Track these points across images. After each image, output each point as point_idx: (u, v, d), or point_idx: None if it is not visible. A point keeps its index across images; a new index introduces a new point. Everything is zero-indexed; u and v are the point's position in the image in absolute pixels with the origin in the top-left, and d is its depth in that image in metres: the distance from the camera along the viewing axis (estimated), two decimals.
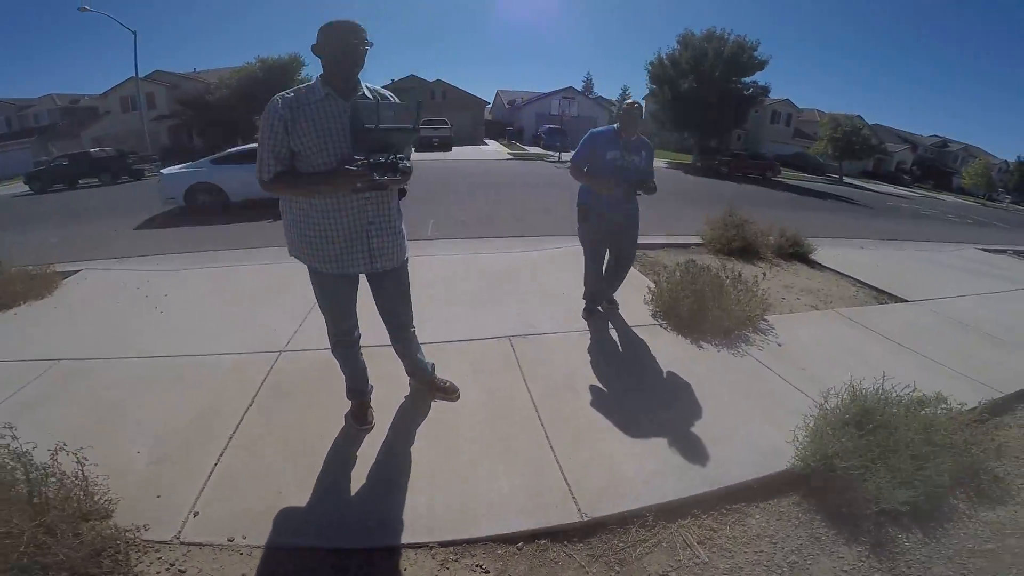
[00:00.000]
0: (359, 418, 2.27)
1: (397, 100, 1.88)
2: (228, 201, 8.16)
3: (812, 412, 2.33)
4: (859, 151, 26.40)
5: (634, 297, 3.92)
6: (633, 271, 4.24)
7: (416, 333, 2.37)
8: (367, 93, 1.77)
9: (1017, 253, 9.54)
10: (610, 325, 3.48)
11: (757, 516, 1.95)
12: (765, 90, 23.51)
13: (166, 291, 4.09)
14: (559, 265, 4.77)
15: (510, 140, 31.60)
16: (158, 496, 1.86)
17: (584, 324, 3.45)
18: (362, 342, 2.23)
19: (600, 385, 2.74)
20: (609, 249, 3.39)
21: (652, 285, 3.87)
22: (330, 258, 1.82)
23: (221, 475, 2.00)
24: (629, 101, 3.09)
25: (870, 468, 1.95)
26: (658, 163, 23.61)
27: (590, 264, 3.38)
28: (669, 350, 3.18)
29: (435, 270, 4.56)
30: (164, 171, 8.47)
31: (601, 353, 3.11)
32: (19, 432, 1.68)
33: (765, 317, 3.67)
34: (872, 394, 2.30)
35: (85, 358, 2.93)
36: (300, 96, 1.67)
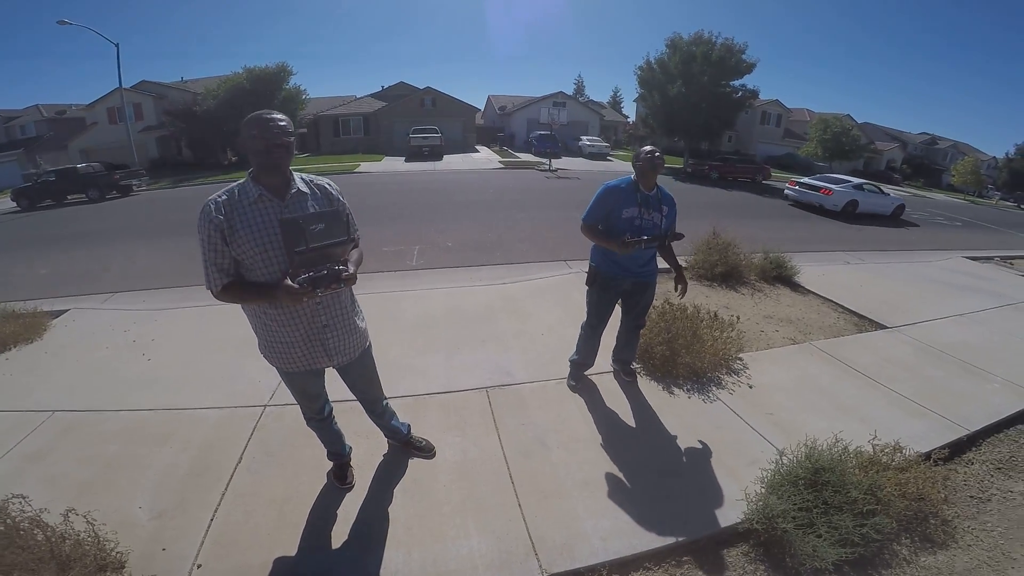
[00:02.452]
0: (340, 478, 2.36)
1: (333, 189, 1.82)
2: (857, 210, 12.76)
3: (772, 463, 2.41)
4: (848, 152, 26.56)
5: (610, 335, 3.91)
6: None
7: (388, 404, 2.44)
8: (301, 186, 1.69)
9: (1004, 259, 9.60)
10: (585, 371, 3.46)
11: (706, 567, 2.08)
12: (754, 93, 23.52)
13: (153, 335, 4.12)
14: (542, 298, 4.78)
15: (501, 146, 31.54)
16: (163, 549, 2.03)
17: (561, 370, 3.44)
18: (342, 397, 2.33)
19: (570, 439, 2.79)
20: (623, 312, 3.15)
21: None
22: (293, 360, 1.84)
23: (218, 530, 2.15)
24: (649, 149, 2.67)
25: (814, 524, 2.05)
26: None
27: (589, 331, 3.09)
28: (641, 398, 3.23)
29: (417, 308, 4.59)
30: (837, 188, 12.77)
31: (574, 403, 3.15)
32: (25, 486, 2.01)
33: (740, 356, 3.70)
34: (827, 450, 2.37)
35: (80, 410, 3.03)
36: (233, 199, 1.59)
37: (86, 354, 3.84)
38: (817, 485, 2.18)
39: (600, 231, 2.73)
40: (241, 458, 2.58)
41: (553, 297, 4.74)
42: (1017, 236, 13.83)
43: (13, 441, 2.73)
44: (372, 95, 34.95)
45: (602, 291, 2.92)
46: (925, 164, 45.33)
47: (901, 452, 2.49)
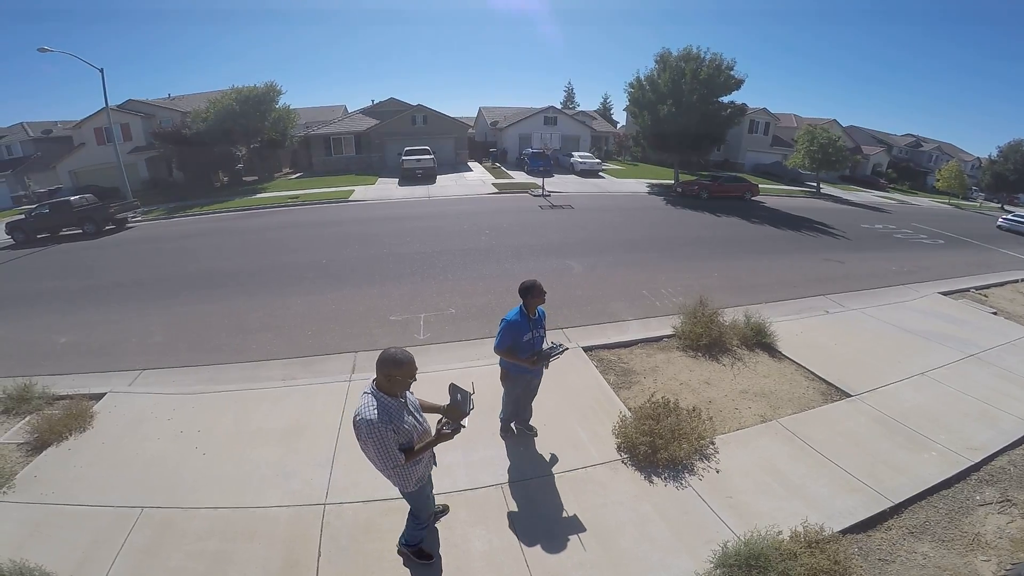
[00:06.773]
0: (422, 556, 3.10)
1: (413, 395, 2.75)
2: None
3: (720, 545, 3.05)
4: (835, 162, 27.08)
5: (604, 426, 4.36)
6: (610, 393, 4.63)
7: None
8: (408, 395, 2.63)
9: (978, 290, 10.00)
10: (574, 465, 4.00)
11: None
12: (742, 109, 23.91)
13: (197, 426, 4.55)
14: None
15: (494, 163, 31.84)
16: None
17: (561, 464, 4.00)
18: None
19: (569, 529, 3.39)
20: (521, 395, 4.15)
21: (620, 414, 4.47)
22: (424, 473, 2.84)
23: None
24: (529, 285, 3.64)
25: None
26: (640, 187, 24.31)
27: (509, 404, 4.21)
28: (624, 489, 3.78)
29: (432, 396, 4.87)
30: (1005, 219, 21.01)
31: (573, 496, 3.69)
32: None
33: (713, 440, 4.22)
34: (760, 540, 3.00)
35: (165, 507, 3.58)
36: (385, 411, 2.44)
37: (142, 446, 4.28)
38: (751, 568, 2.84)
39: (512, 352, 3.70)
40: (320, 552, 3.20)
41: (550, 380, 5.09)
42: (999, 253, 14.52)
43: (122, 536, 3.27)
44: (362, 110, 35.14)
45: (513, 385, 3.97)
46: (910, 167, 46.29)
47: (822, 532, 3.09)
